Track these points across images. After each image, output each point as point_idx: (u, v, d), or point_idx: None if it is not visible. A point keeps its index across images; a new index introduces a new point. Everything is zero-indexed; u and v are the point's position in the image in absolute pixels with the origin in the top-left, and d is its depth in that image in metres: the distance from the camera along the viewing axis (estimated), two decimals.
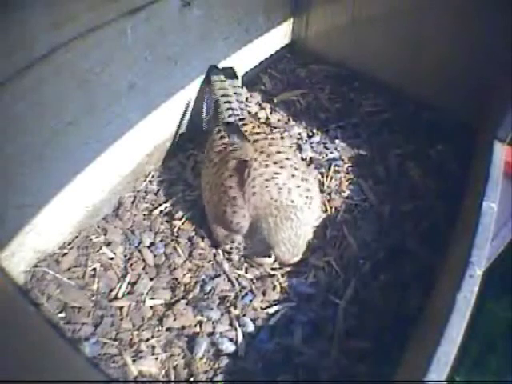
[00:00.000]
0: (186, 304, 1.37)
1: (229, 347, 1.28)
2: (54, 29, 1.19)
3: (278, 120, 2.00)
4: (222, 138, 1.55)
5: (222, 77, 1.77)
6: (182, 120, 1.85)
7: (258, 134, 1.53)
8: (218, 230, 1.44)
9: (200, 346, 1.27)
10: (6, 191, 1.25)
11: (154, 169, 1.79)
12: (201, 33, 1.74)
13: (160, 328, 1.32)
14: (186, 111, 1.85)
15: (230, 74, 1.81)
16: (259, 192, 1.33)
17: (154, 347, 1.28)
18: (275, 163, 1.39)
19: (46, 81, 1.22)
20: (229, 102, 1.70)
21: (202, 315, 1.34)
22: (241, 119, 1.64)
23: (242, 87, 1.89)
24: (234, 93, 1.74)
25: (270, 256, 1.40)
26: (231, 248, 1.44)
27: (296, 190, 1.34)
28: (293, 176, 1.38)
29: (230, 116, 1.64)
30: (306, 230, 1.32)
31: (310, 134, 1.95)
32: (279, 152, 1.44)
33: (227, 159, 1.44)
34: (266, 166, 1.38)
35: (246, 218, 1.35)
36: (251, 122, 1.63)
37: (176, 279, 1.44)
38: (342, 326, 1.32)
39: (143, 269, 1.47)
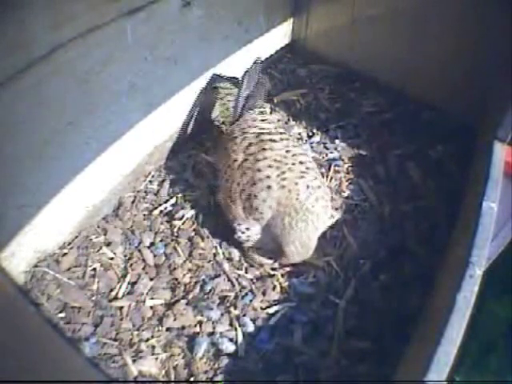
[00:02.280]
0: (186, 304, 1.37)
1: (229, 347, 1.28)
2: (53, 29, 1.19)
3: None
4: (263, 121, 1.58)
5: (229, 85, 1.81)
6: (182, 120, 1.85)
7: (281, 133, 1.54)
8: (237, 208, 1.40)
9: (200, 345, 1.28)
10: (6, 191, 1.25)
11: (154, 169, 1.79)
12: (201, 33, 1.73)
13: (160, 328, 1.32)
14: (186, 111, 1.84)
15: (235, 83, 1.81)
16: (288, 187, 1.33)
17: (154, 347, 1.28)
18: (301, 163, 1.41)
19: (45, 81, 1.22)
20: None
21: (202, 315, 1.34)
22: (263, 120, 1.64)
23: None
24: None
25: (271, 258, 1.40)
26: (242, 233, 1.40)
27: (320, 194, 1.35)
28: (315, 178, 1.39)
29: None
30: (317, 234, 1.34)
31: (310, 134, 1.95)
32: (302, 154, 1.46)
33: (264, 147, 1.43)
34: (293, 163, 1.39)
35: (270, 210, 1.34)
36: (274, 122, 1.64)
37: (176, 279, 1.44)
38: (341, 326, 1.32)
39: (143, 269, 1.47)
